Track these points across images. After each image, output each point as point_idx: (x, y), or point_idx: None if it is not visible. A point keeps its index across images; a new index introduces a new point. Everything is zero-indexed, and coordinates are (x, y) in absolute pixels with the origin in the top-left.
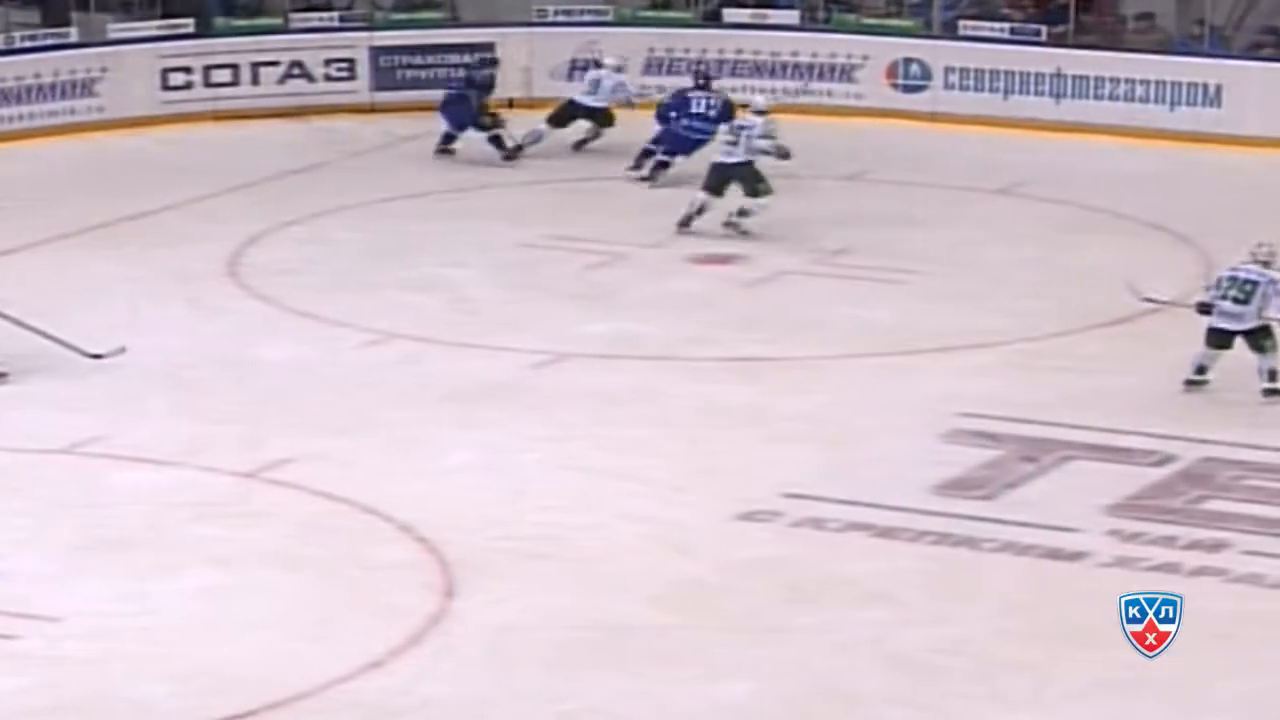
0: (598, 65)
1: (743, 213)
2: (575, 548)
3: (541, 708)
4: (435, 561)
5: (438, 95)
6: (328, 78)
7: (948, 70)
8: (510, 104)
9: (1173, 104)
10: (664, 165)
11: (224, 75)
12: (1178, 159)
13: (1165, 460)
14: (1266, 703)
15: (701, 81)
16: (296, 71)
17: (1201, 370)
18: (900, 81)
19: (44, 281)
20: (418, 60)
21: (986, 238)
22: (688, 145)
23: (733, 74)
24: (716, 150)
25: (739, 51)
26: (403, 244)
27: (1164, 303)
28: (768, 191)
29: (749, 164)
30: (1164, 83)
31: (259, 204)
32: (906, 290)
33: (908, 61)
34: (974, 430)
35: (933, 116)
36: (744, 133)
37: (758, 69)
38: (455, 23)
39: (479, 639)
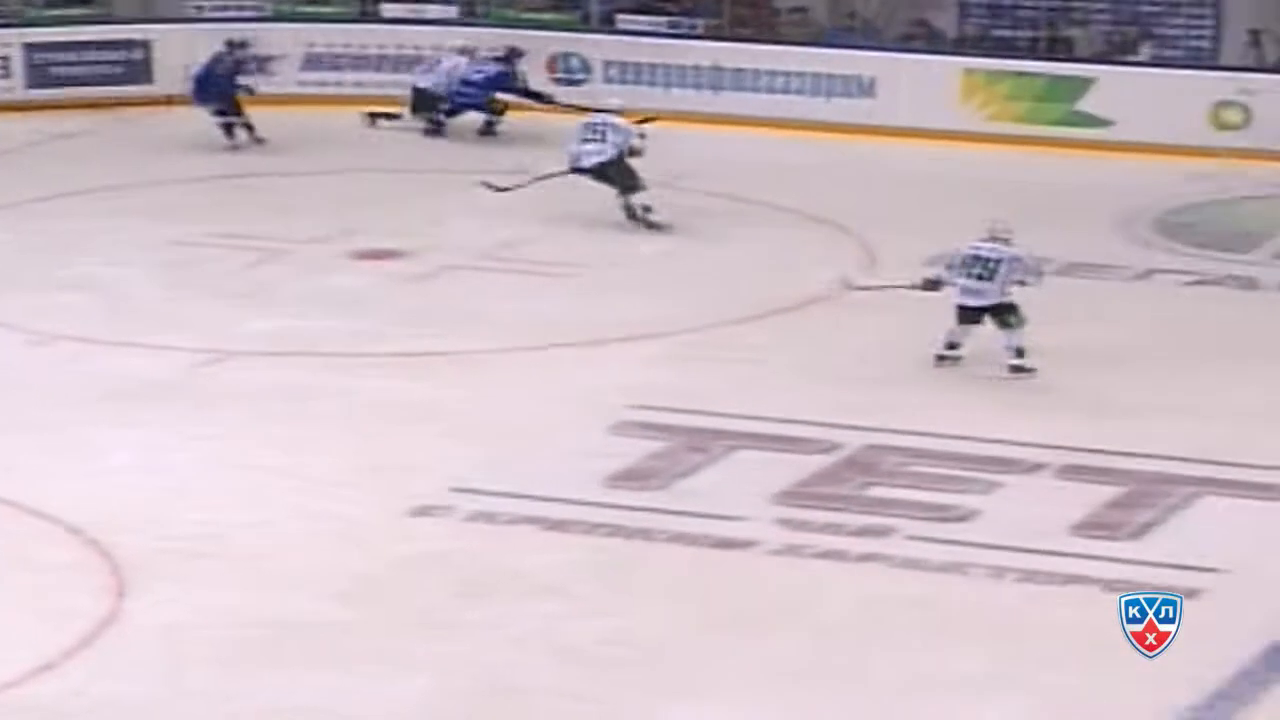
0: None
1: (646, 209)
2: (244, 546)
3: (216, 707)
4: (105, 562)
5: (92, 93)
6: None
7: (607, 64)
8: (169, 101)
9: (828, 95)
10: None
11: None
12: (834, 150)
13: (830, 448)
14: (921, 685)
15: (503, 54)
16: None
17: (952, 346)
18: (560, 75)
19: None
20: (72, 57)
21: (650, 231)
22: (455, 108)
23: (394, 70)
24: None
25: (399, 46)
26: (60, 243)
27: (882, 287)
28: (642, 187)
29: (617, 161)
30: (819, 75)
31: None
32: (572, 284)
33: (567, 55)
34: (642, 422)
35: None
36: (608, 130)
37: (418, 64)
38: (110, 19)
39: (151, 639)
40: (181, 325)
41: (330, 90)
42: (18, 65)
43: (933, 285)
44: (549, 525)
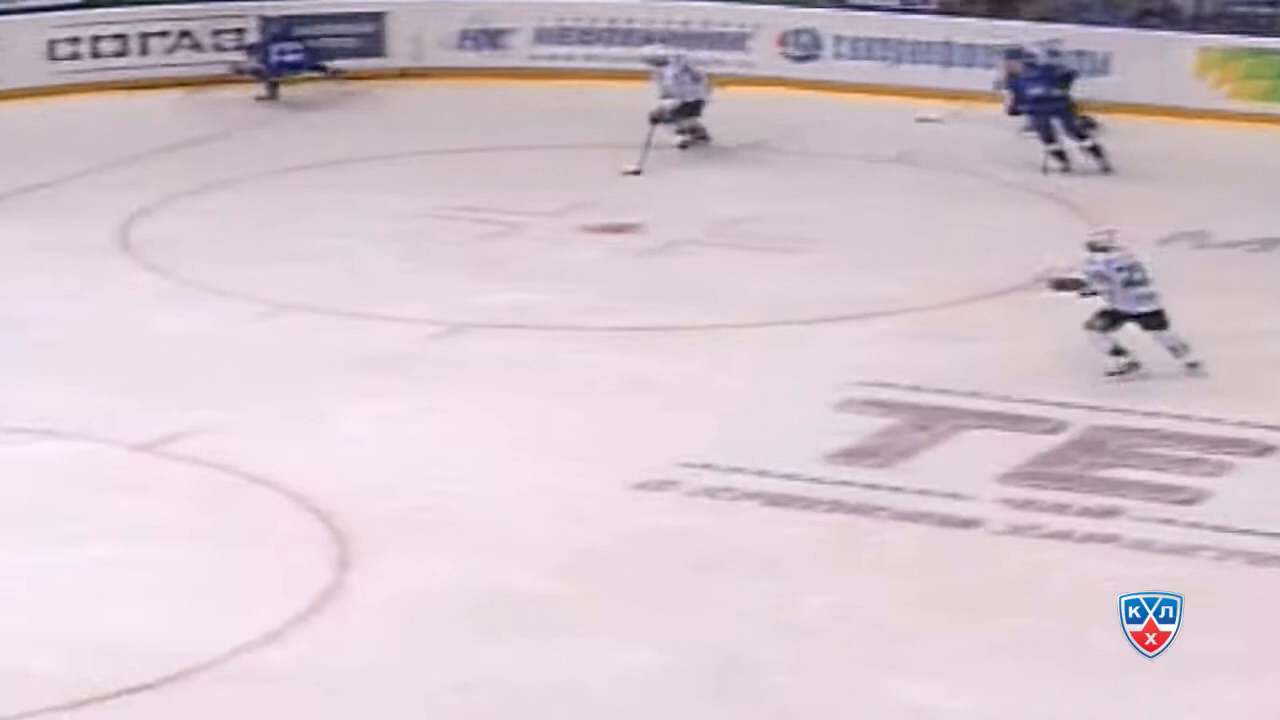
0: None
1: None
2: (472, 517)
3: (439, 677)
4: (330, 532)
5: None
6: (217, 47)
7: (838, 39)
8: (403, 74)
9: None
10: None
11: (113, 46)
12: None
13: (1057, 428)
14: (1145, 666)
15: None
16: (186, 42)
17: (1124, 351)
18: (791, 51)
19: None
20: (307, 31)
21: (879, 206)
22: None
23: (623, 43)
24: None
25: (630, 21)
26: (296, 214)
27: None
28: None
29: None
30: None
31: (151, 175)
32: (801, 259)
33: (798, 32)
34: (867, 399)
35: (823, 85)
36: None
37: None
38: None
39: (377, 609)
40: (414, 297)
41: (560, 65)
42: (253, 37)
43: (1071, 286)
44: (773, 501)
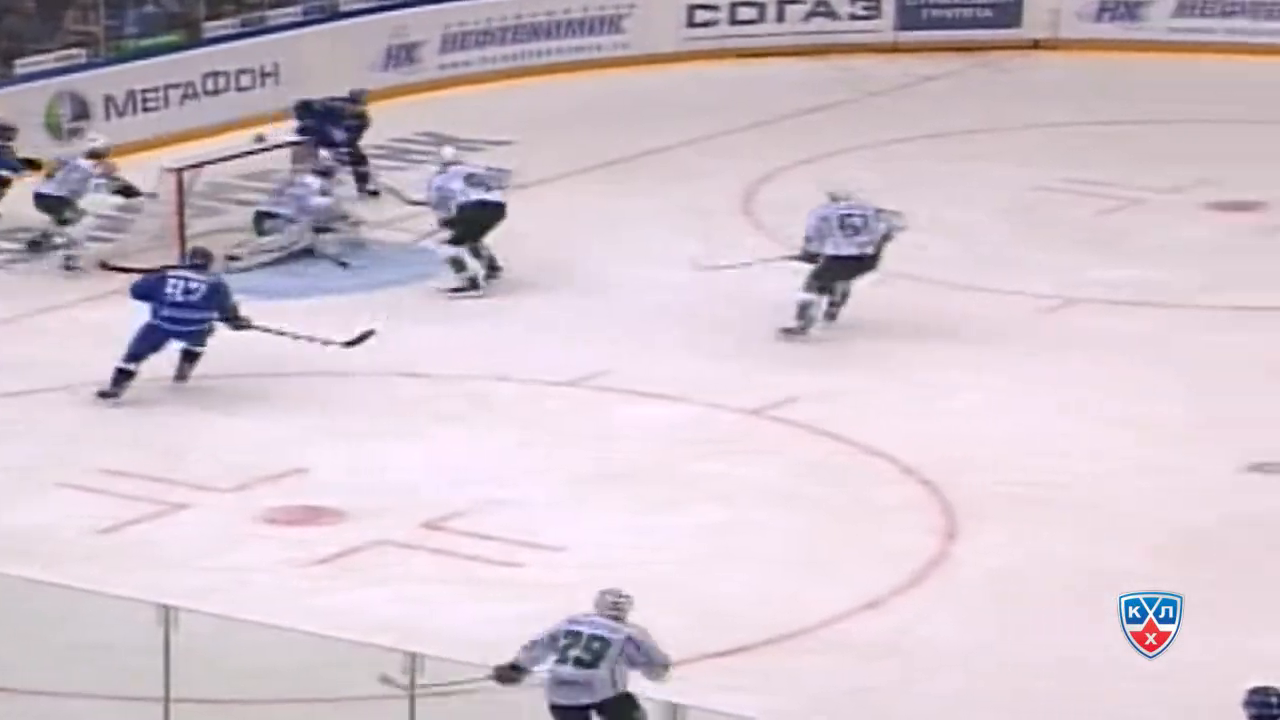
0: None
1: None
2: (1078, 495)
3: (1040, 654)
4: (937, 504)
5: (961, 36)
6: (852, 16)
7: None
8: (1035, 45)
9: None
10: None
11: (749, 13)
12: None
13: None
14: None
15: None
16: (821, 9)
17: None
18: None
19: (558, 214)
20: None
21: None
22: None
23: None
24: None
25: None
26: (914, 182)
27: None
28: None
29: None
30: None
31: (774, 142)
32: None
33: None
34: None
35: None
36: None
37: None
38: None
39: (979, 583)
40: (1026, 270)
41: (1199, 38)
42: (888, 6)
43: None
44: None
